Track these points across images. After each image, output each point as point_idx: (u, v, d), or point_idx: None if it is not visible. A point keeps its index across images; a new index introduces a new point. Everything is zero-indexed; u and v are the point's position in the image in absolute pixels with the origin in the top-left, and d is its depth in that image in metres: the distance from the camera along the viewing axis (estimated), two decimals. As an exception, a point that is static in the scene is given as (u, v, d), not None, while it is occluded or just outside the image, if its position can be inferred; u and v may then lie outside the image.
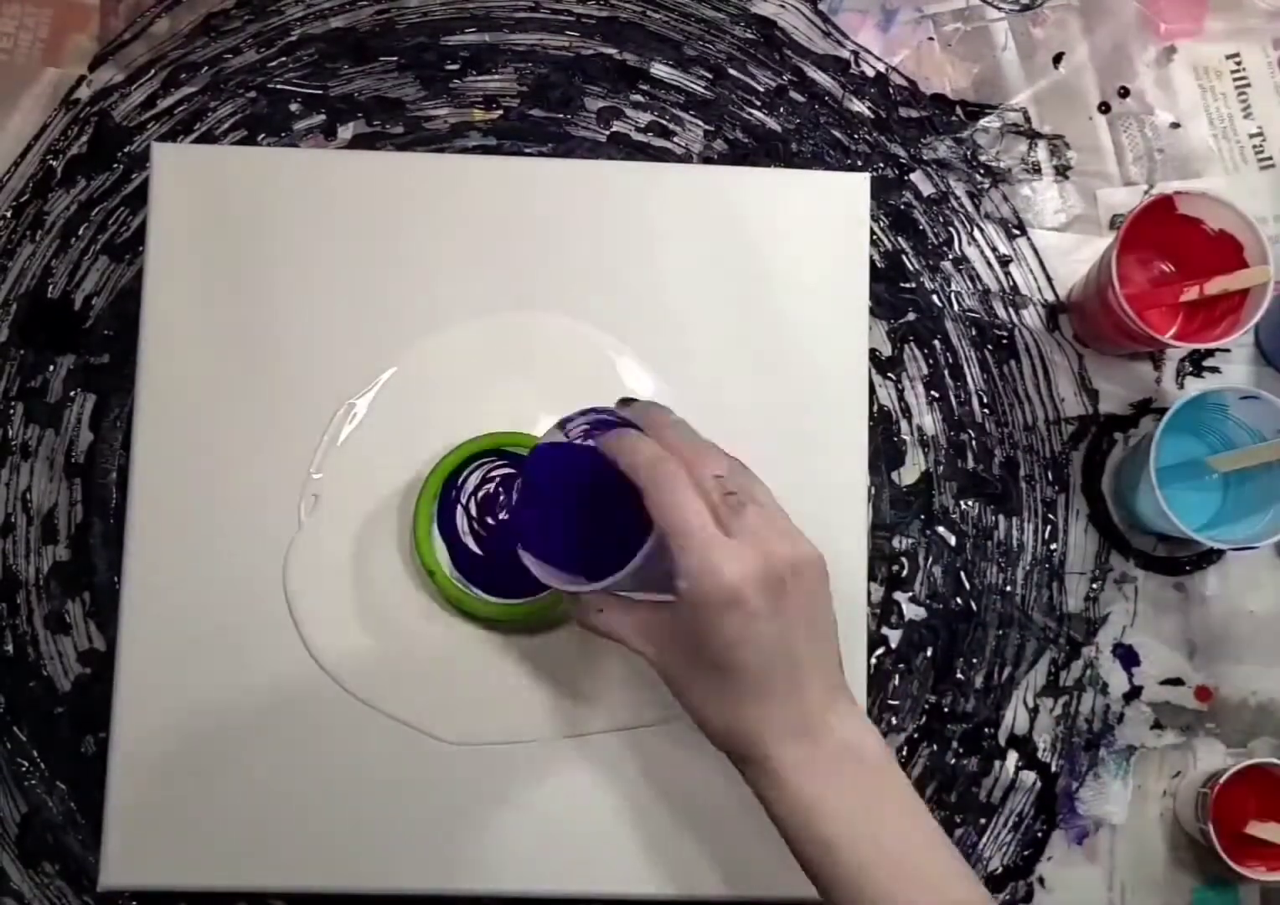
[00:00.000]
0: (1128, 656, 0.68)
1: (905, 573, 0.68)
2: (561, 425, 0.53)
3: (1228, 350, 0.70)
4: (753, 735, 0.49)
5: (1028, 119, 0.72)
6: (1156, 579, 0.69)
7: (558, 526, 0.55)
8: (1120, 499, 0.68)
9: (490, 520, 0.63)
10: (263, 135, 0.69)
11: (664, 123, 0.70)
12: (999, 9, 0.72)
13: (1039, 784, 0.67)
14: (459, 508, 0.62)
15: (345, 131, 0.70)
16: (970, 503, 0.69)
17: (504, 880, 0.62)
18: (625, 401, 0.54)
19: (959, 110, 0.72)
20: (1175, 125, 0.72)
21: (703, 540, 0.47)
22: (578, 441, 0.54)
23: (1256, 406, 0.63)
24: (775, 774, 0.49)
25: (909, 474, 0.69)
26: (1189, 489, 0.67)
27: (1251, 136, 0.72)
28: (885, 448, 0.69)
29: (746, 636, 0.47)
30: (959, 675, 0.67)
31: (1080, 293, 0.69)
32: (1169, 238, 0.65)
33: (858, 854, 0.48)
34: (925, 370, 0.69)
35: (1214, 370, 0.70)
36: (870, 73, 0.72)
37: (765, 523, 0.48)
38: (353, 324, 0.65)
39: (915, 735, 0.67)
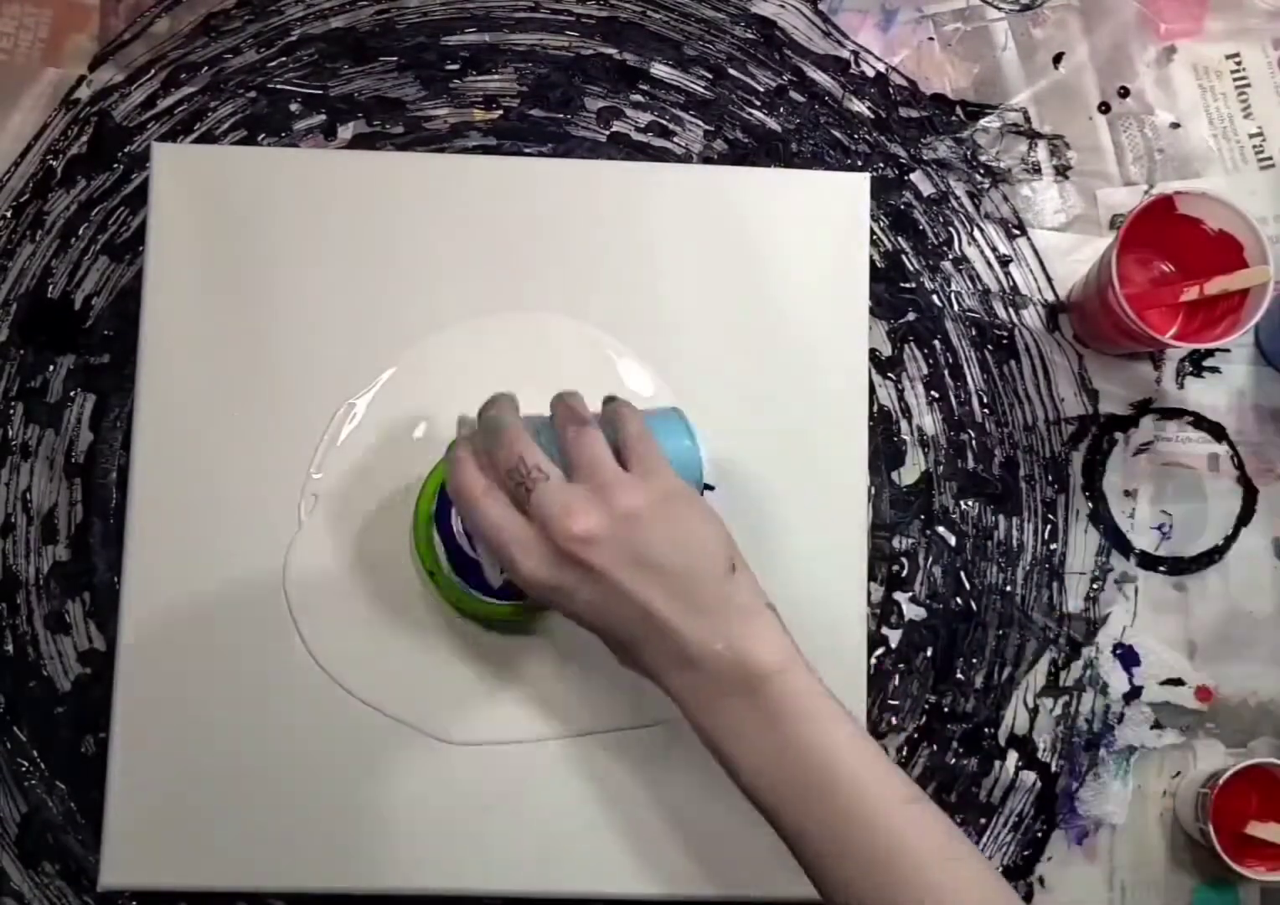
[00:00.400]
0: (1128, 656, 0.68)
1: (905, 573, 0.68)
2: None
3: (1228, 350, 0.70)
4: (648, 671, 0.51)
5: (1028, 119, 0.72)
6: (1156, 579, 0.69)
7: None
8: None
9: None
10: (263, 135, 0.69)
11: (664, 123, 0.70)
12: (999, 9, 0.72)
13: (1039, 784, 0.67)
14: (454, 508, 0.62)
15: (345, 131, 0.70)
16: (970, 503, 0.69)
17: (504, 880, 0.62)
18: (489, 400, 0.55)
19: (959, 110, 0.72)
20: (1175, 125, 0.72)
21: (498, 542, 0.50)
22: None
23: None
24: (679, 705, 0.50)
25: (909, 474, 0.69)
26: None
27: (1251, 136, 0.72)
28: (885, 448, 0.69)
29: (580, 609, 0.50)
30: (959, 675, 0.67)
31: (1080, 293, 0.69)
32: (1169, 238, 0.65)
33: (763, 792, 0.49)
34: (925, 370, 0.69)
35: (1214, 370, 0.70)
36: (870, 73, 0.72)
37: (553, 498, 0.49)
38: (353, 324, 0.65)
39: (915, 735, 0.67)
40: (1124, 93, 0.72)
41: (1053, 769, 0.67)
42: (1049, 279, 0.70)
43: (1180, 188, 0.68)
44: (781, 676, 0.49)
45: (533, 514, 0.49)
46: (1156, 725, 0.68)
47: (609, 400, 0.55)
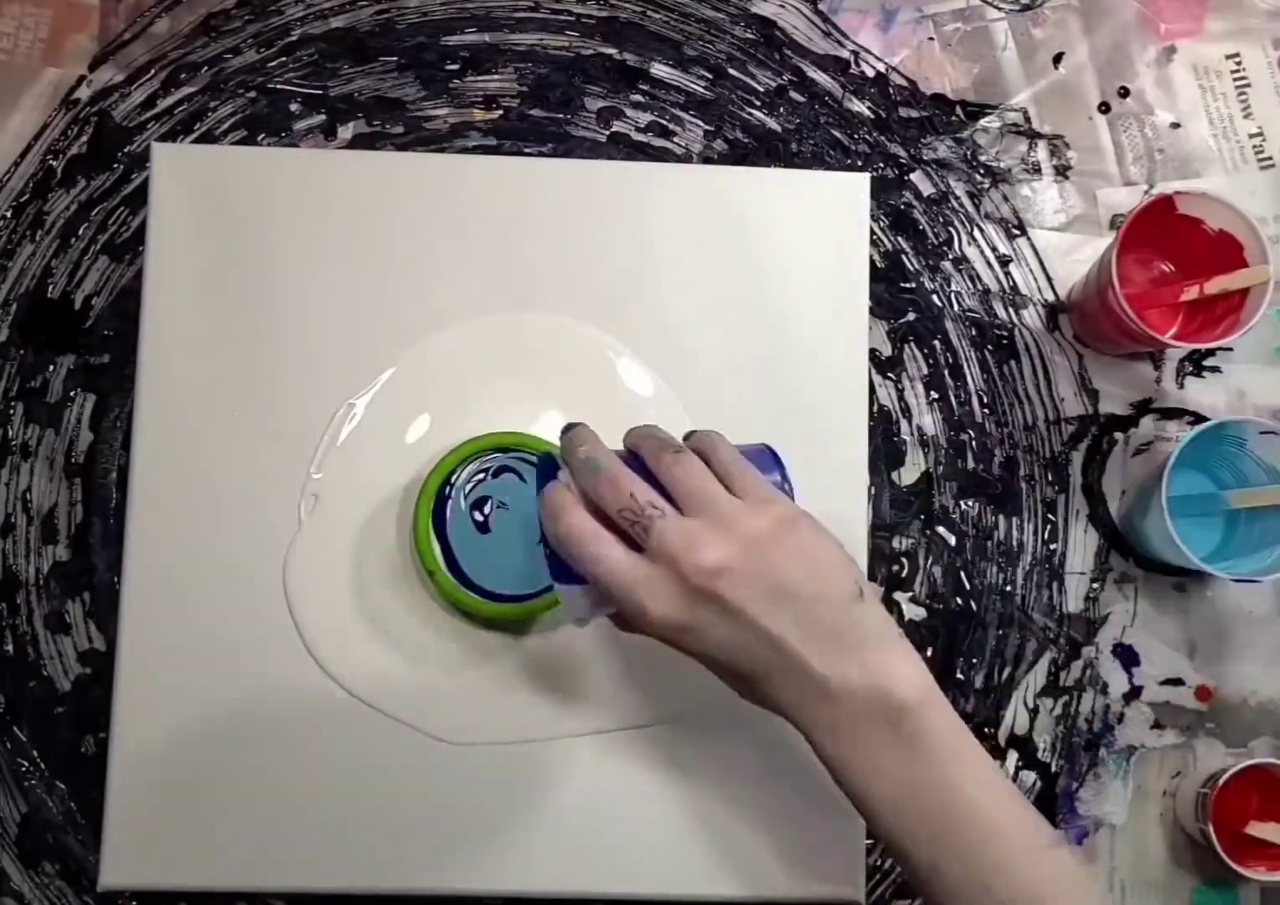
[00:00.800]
0: (1128, 656, 0.68)
1: (905, 573, 0.68)
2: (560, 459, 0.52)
3: (1229, 349, 0.70)
4: (779, 706, 0.49)
5: (1028, 119, 0.72)
6: (1156, 579, 0.69)
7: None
8: (1129, 522, 0.68)
9: (479, 516, 0.62)
10: (263, 135, 0.69)
11: (664, 123, 0.70)
12: (999, 9, 0.72)
13: (1039, 784, 0.67)
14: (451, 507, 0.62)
15: (345, 131, 0.70)
16: (970, 503, 0.69)
17: (504, 880, 0.62)
18: (564, 430, 0.53)
19: (959, 110, 0.72)
20: (1175, 125, 0.72)
21: (618, 586, 0.47)
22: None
23: (1277, 443, 0.62)
24: (809, 739, 0.48)
25: (909, 474, 0.69)
26: (1198, 518, 0.66)
27: (1251, 136, 0.72)
28: (885, 448, 0.69)
29: (710, 648, 0.47)
30: (959, 675, 0.67)
31: (1080, 293, 0.69)
32: (1169, 238, 0.65)
33: (895, 825, 0.48)
34: (925, 370, 0.69)
35: (1214, 370, 0.70)
36: (870, 73, 0.72)
37: (674, 532, 0.47)
38: (353, 324, 0.65)
39: (915, 735, 0.67)
40: (1124, 93, 0.72)
41: (1053, 769, 0.67)
42: (1049, 279, 0.70)
43: (1180, 188, 0.68)
44: (922, 710, 0.47)
45: (654, 552, 0.46)
46: (1156, 725, 0.68)
47: (690, 433, 0.53)
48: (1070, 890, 0.47)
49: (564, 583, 0.51)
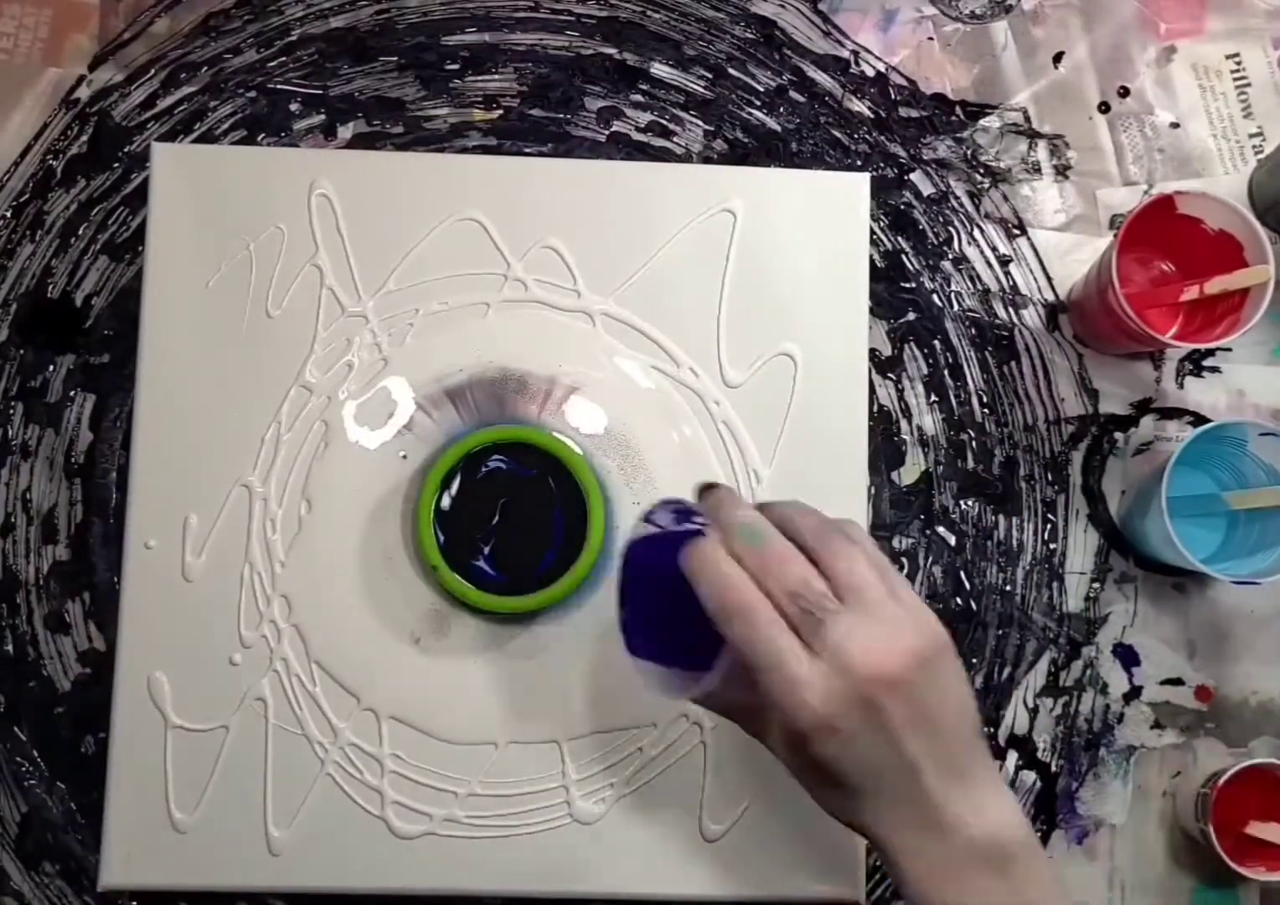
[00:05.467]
0: (1128, 656, 0.68)
1: (905, 573, 0.68)
2: (646, 518, 0.50)
3: (1229, 349, 0.70)
4: (872, 829, 0.47)
5: (1028, 119, 0.72)
6: (1156, 579, 0.69)
7: (662, 625, 0.50)
8: (1129, 522, 0.68)
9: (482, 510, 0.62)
10: (263, 135, 0.69)
11: (664, 123, 0.70)
12: (948, 17, 0.72)
13: (1039, 784, 0.67)
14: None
15: (345, 131, 0.70)
16: (970, 503, 0.69)
17: (504, 880, 0.62)
18: (705, 489, 0.50)
19: (959, 110, 0.72)
20: (1175, 125, 0.72)
21: (783, 676, 0.45)
22: (665, 528, 0.50)
23: (1276, 444, 0.63)
24: (898, 867, 0.47)
25: (909, 474, 0.69)
26: (1198, 519, 0.66)
27: (1251, 136, 0.72)
28: (885, 448, 0.69)
29: (844, 756, 0.46)
30: (959, 675, 0.67)
31: (1080, 293, 0.69)
32: (1169, 238, 0.65)
33: None
34: (925, 370, 0.69)
35: (1214, 370, 0.70)
36: (870, 72, 0.72)
37: (851, 632, 0.45)
38: (353, 324, 0.65)
39: (915, 735, 0.67)
40: (1124, 93, 0.72)
41: (1053, 769, 0.67)
42: (1049, 279, 0.70)
43: (1180, 187, 0.68)
44: (1028, 857, 0.46)
45: (824, 646, 0.44)
46: (1156, 725, 0.68)
47: (763, 505, 0.50)
48: None
49: (643, 657, 0.49)
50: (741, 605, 0.45)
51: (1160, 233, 0.64)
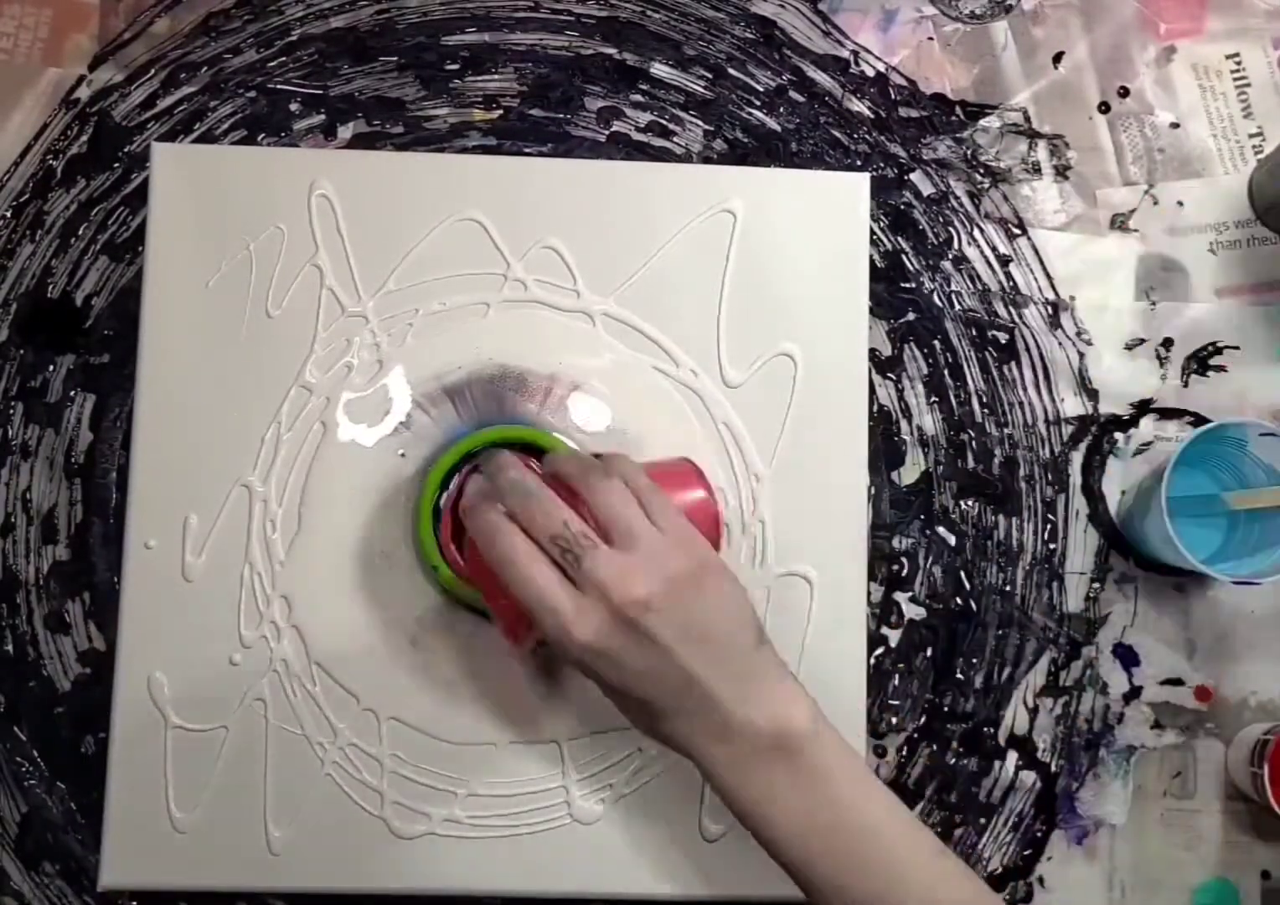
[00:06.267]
0: (1128, 656, 0.68)
1: (905, 573, 0.68)
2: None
3: (1236, 348, 0.70)
4: (678, 741, 0.51)
5: (1028, 119, 0.72)
6: (1156, 579, 0.69)
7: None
8: (1129, 522, 0.68)
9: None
10: (263, 135, 0.69)
11: (664, 123, 0.70)
12: (948, 17, 0.72)
13: (1039, 784, 0.67)
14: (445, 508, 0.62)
15: (345, 131, 0.70)
16: (970, 503, 0.69)
17: (504, 880, 0.62)
18: (486, 458, 0.56)
19: (959, 110, 0.72)
20: (1175, 125, 0.72)
21: (549, 612, 0.49)
22: None
23: (1276, 444, 0.63)
24: (705, 773, 0.51)
25: (909, 474, 0.69)
26: (1198, 519, 0.66)
27: (1251, 136, 0.72)
28: (885, 448, 0.69)
29: (624, 677, 0.50)
30: (959, 675, 0.67)
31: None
32: None
33: (797, 849, 0.50)
34: (925, 370, 0.69)
35: (1218, 369, 0.70)
36: (870, 72, 0.72)
37: (606, 564, 0.49)
38: (353, 324, 0.65)
39: (915, 735, 0.67)
40: (1124, 93, 0.72)
41: (1053, 769, 0.67)
42: (1049, 279, 0.70)
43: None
44: (816, 740, 0.50)
45: (584, 580, 0.49)
46: (1156, 725, 0.68)
47: (598, 455, 0.55)
48: (958, 888, 0.51)
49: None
50: (508, 553, 0.50)
51: None
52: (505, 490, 0.52)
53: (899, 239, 0.70)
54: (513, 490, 0.51)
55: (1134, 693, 0.68)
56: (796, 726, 0.50)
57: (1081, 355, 0.70)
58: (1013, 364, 0.70)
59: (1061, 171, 0.71)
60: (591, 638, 0.49)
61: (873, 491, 0.68)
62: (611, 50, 0.71)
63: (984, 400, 0.69)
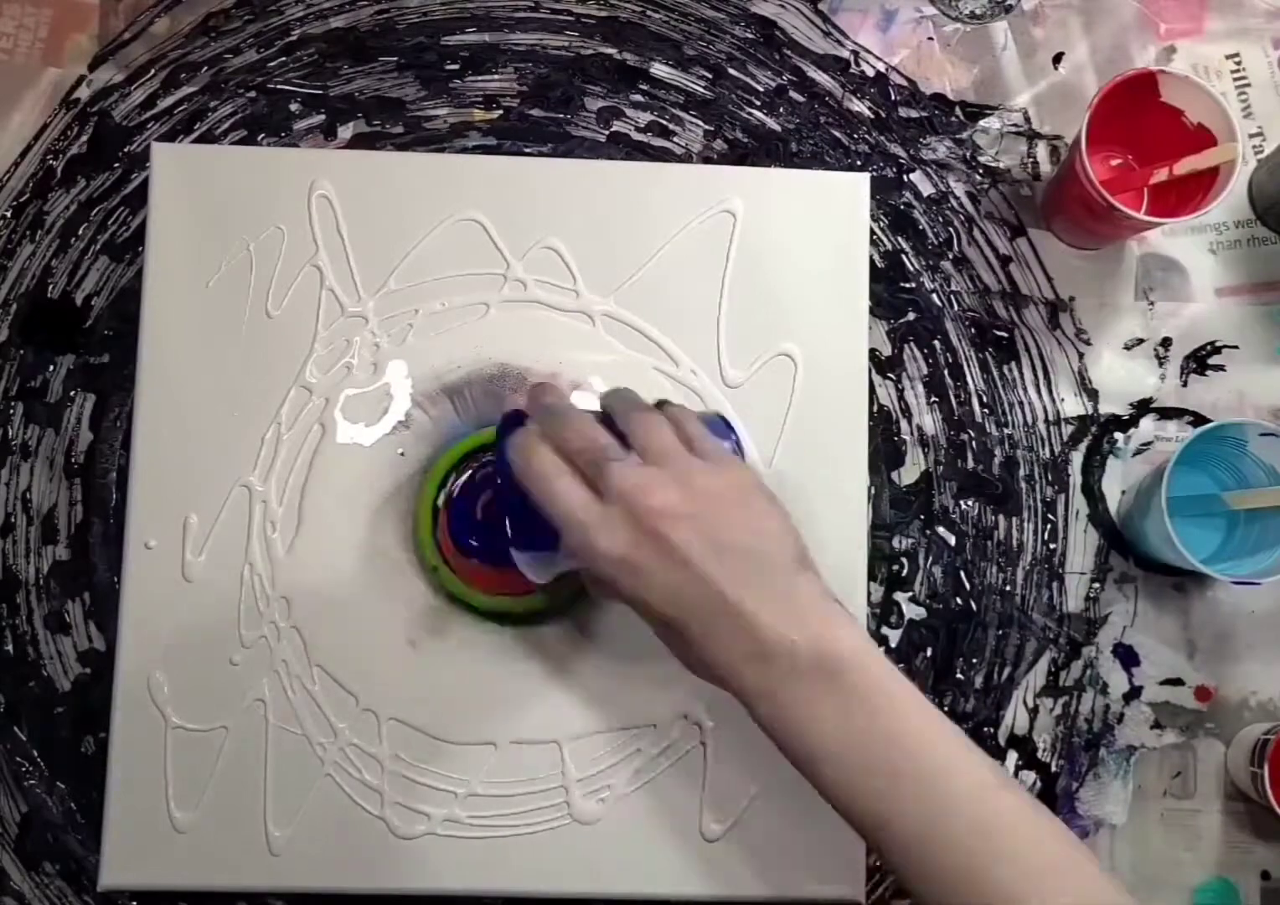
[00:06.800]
0: (1128, 656, 0.68)
1: (905, 573, 0.68)
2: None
3: (1235, 347, 0.70)
4: (717, 669, 0.49)
5: (1028, 119, 0.72)
6: (1156, 579, 0.69)
7: (524, 517, 0.53)
8: (1129, 522, 0.68)
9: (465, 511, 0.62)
10: (263, 135, 0.69)
11: (664, 123, 0.70)
12: (948, 17, 0.72)
13: (1039, 784, 0.67)
14: (442, 505, 0.62)
15: (345, 131, 0.70)
16: (970, 503, 0.69)
17: (504, 880, 0.62)
18: (534, 386, 0.56)
19: (959, 110, 0.72)
20: (1175, 125, 0.72)
21: (577, 522, 0.48)
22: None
23: (1276, 444, 0.63)
24: (748, 704, 0.49)
25: (909, 474, 0.69)
26: (1198, 519, 0.66)
27: (1251, 136, 0.72)
28: (885, 448, 0.69)
29: (653, 594, 0.48)
30: (959, 675, 0.67)
31: (1051, 182, 0.69)
32: (1141, 131, 0.65)
33: (839, 772, 0.47)
34: (925, 370, 0.69)
35: (1217, 368, 0.70)
36: (870, 73, 0.72)
37: (630, 474, 0.48)
38: (353, 324, 0.65)
39: (915, 735, 0.67)
40: (1124, 93, 0.72)
41: (1053, 769, 0.67)
42: (1049, 278, 0.70)
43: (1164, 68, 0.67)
44: (861, 662, 0.47)
45: (608, 491, 0.48)
46: (1156, 725, 0.68)
47: (661, 402, 0.55)
48: (1017, 826, 0.47)
49: (521, 549, 0.54)
50: (539, 470, 0.50)
51: (1133, 126, 0.64)
52: (540, 415, 0.52)
53: (899, 239, 0.70)
54: (546, 414, 0.52)
55: (1134, 693, 0.68)
56: (839, 648, 0.47)
57: (1081, 355, 0.70)
58: (1013, 364, 0.70)
59: (1061, 171, 0.71)
60: (614, 548, 0.48)
61: (873, 491, 0.68)
62: (611, 50, 0.71)
63: (984, 400, 0.69)
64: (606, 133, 0.70)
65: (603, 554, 0.48)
